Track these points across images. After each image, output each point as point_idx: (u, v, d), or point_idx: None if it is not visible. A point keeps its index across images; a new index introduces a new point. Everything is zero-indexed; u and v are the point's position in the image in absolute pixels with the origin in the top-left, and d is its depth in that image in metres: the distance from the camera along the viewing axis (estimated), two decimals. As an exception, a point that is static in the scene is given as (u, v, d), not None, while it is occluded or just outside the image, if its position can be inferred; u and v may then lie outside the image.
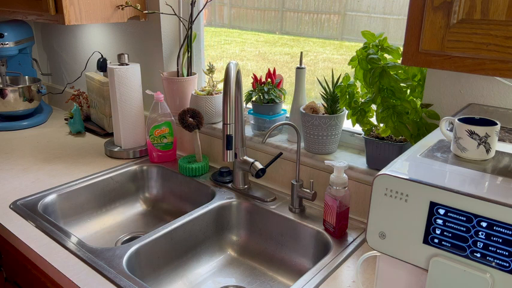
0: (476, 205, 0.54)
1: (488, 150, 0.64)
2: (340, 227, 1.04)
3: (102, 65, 1.70)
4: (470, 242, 0.55)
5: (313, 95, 1.44)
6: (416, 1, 0.69)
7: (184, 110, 1.39)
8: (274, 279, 1.14)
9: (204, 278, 1.15)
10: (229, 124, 1.03)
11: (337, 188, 1.01)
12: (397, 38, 1.07)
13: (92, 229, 1.32)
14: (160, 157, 1.48)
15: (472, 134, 0.63)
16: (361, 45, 1.04)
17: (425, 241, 0.59)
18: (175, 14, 1.48)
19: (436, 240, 0.58)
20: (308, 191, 1.14)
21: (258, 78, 1.34)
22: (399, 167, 0.64)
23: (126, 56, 1.48)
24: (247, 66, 2.04)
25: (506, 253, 0.52)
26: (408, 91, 1.01)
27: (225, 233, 1.25)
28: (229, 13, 1.96)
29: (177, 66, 1.51)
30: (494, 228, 0.53)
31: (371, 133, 1.09)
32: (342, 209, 1.02)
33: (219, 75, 1.47)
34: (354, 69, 1.07)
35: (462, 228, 0.55)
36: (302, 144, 1.22)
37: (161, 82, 1.53)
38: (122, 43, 1.70)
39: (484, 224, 0.53)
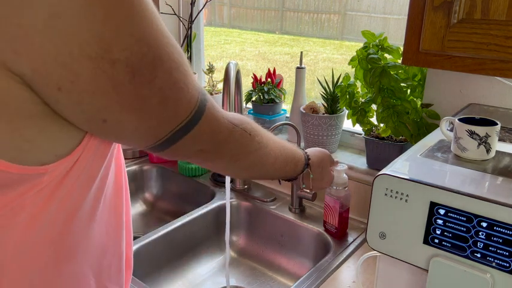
0: (477, 205, 0.53)
1: (488, 150, 0.64)
2: (342, 227, 1.04)
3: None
4: (470, 242, 0.55)
5: (313, 95, 1.44)
6: (416, 1, 0.69)
7: (184, 110, 1.38)
8: (274, 279, 1.13)
9: (204, 278, 1.15)
10: (229, 124, 1.03)
11: (338, 188, 1.01)
12: (397, 37, 1.06)
13: (92, 229, 1.32)
14: (160, 157, 1.48)
15: (472, 134, 0.63)
16: (361, 45, 1.04)
17: (426, 241, 0.59)
18: (175, 14, 1.48)
19: (436, 241, 0.58)
20: (308, 191, 1.13)
21: (258, 78, 1.34)
22: (399, 167, 0.63)
23: (126, 55, 1.47)
24: (247, 66, 2.03)
25: (507, 253, 0.52)
26: (408, 91, 1.01)
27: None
28: (229, 13, 1.95)
29: (177, 66, 1.50)
30: (495, 228, 0.53)
31: (371, 133, 1.09)
32: (343, 210, 1.02)
33: (219, 75, 1.47)
34: (354, 69, 1.07)
35: (462, 229, 0.55)
36: (302, 144, 1.22)
37: (161, 82, 1.53)
38: (122, 43, 1.70)
39: (484, 224, 0.53)
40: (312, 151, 0.87)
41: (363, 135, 1.10)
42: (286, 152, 0.73)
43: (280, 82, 1.35)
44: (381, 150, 1.06)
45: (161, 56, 0.42)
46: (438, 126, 0.75)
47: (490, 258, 0.54)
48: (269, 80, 1.33)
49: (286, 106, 1.39)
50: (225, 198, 1.24)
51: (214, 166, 0.62)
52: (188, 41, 1.47)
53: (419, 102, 1.00)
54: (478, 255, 0.55)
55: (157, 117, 0.45)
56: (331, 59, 1.77)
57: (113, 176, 0.56)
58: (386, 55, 1.02)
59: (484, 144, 0.63)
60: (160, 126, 0.46)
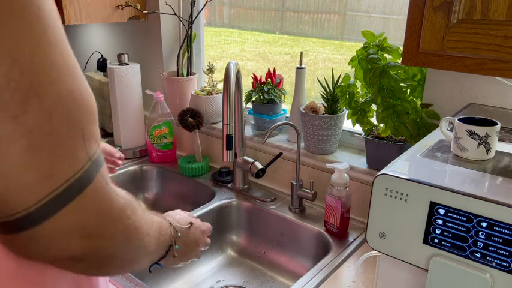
0: (477, 205, 0.53)
1: (488, 150, 0.64)
2: (343, 227, 1.04)
3: (102, 65, 1.70)
4: (470, 242, 0.55)
5: (313, 95, 1.44)
6: (416, 1, 0.69)
7: (184, 110, 1.38)
8: (274, 279, 1.13)
9: (204, 277, 1.15)
10: (229, 124, 1.03)
11: (339, 188, 1.01)
12: (397, 38, 1.06)
13: (92, 229, 1.32)
14: (160, 157, 1.48)
15: (472, 134, 0.63)
16: (361, 45, 1.04)
17: (426, 241, 0.59)
18: (175, 14, 1.48)
19: (436, 240, 0.58)
20: (308, 191, 1.14)
21: (258, 78, 1.34)
22: (399, 167, 0.64)
23: (126, 56, 1.48)
24: (247, 66, 2.03)
25: (507, 253, 0.52)
26: (408, 91, 1.01)
27: (225, 233, 1.25)
28: (229, 13, 1.95)
29: (177, 66, 1.51)
30: (495, 228, 0.53)
31: (371, 133, 1.09)
32: (345, 210, 1.02)
33: (219, 75, 1.47)
34: (354, 69, 1.07)
35: (462, 228, 0.55)
36: (302, 144, 1.22)
37: (161, 82, 1.53)
38: (122, 43, 1.70)
39: (484, 224, 0.53)
40: (179, 220, 0.69)
41: (362, 135, 1.10)
42: (153, 224, 0.56)
43: (280, 82, 1.35)
44: (380, 150, 1.06)
45: (43, 93, 0.34)
46: (438, 126, 0.75)
47: (490, 258, 0.54)
48: (269, 80, 1.33)
49: (286, 106, 1.39)
50: (225, 198, 1.24)
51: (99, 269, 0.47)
52: (188, 41, 1.47)
53: (419, 102, 1.00)
54: (478, 255, 0.55)
55: (21, 173, 0.34)
56: (331, 59, 1.77)
57: None
58: (386, 55, 1.02)
59: (484, 144, 0.63)
60: (23, 189, 0.35)
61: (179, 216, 0.70)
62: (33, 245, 0.38)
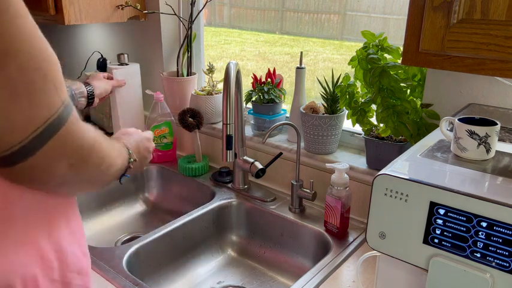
0: (476, 205, 0.53)
1: (488, 150, 0.64)
2: (343, 227, 1.04)
3: (102, 65, 1.70)
4: (470, 242, 0.55)
5: (313, 95, 1.44)
6: (416, 1, 0.69)
7: (184, 110, 1.38)
8: (274, 279, 1.13)
9: (204, 278, 1.15)
10: (229, 124, 1.03)
11: (339, 188, 1.01)
12: (397, 38, 1.06)
13: (92, 229, 1.32)
14: (160, 157, 1.48)
15: (472, 134, 0.63)
16: (361, 45, 1.04)
17: (425, 241, 0.59)
18: (175, 14, 1.48)
19: (436, 240, 0.58)
20: (308, 191, 1.14)
21: (258, 78, 1.34)
22: (399, 167, 0.64)
23: (125, 56, 1.48)
24: (247, 66, 2.03)
25: (506, 253, 0.52)
26: (408, 91, 1.01)
27: (225, 233, 1.25)
28: (229, 13, 1.96)
29: (177, 66, 1.51)
30: (494, 228, 0.53)
31: (371, 133, 1.09)
32: (345, 210, 1.02)
33: (219, 75, 1.47)
34: (354, 69, 1.07)
35: (462, 228, 0.55)
36: (302, 144, 1.22)
37: (161, 82, 1.53)
38: (122, 43, 1.70)
39: (484, 224, 0.53)
40: (128, 139, 0.82)
41: (362, 135, 1.10)
42: (115, 148, 0.69)
43: (280, 82, 1.35)
44: (380, 150, 1.06)
45: (16, 52, 0.43)
46: (438, 126, 0.75)
47: (490, 258, 0.54)
48: (269, 80, 1.33)
49: (286, 106, 1.39)
50: (225, 198, 1.25)
51: (79, 186, 0.59)
52: (188, 41, 1.47)
53: (419, 102, 1.00)
54: (478, 255, 0.55)
55: (9, 115, 0.44)
56: (331, 59, 1.77)
57: None
58: (386, 55, 1.02)
59: (483, 144, 0.63)
60: (13, 130, 0.45)
61: (126, 137, 0.82)
62: (28, 173, 0.48)
